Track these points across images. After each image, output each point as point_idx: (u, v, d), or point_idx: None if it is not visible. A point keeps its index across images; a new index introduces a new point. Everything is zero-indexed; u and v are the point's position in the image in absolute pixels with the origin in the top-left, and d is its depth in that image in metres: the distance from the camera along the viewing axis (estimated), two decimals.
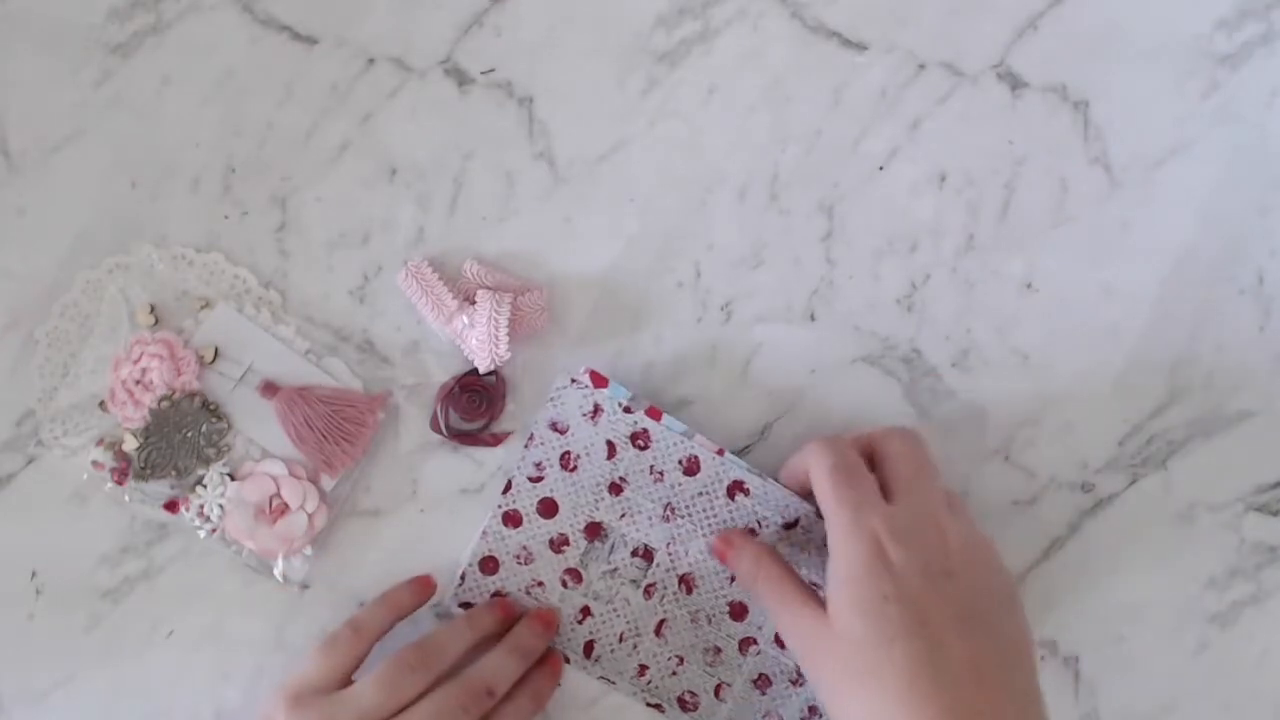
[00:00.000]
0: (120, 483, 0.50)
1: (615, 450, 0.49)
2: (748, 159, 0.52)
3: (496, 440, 0.51)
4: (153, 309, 0.51)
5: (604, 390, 0.49)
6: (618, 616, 0.50)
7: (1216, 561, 0.52)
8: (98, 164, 0.51)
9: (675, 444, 0.49)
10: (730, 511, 0.49)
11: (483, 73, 0.52)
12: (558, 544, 0.50)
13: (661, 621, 0.50)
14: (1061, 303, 0.52)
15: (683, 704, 0.50)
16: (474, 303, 0.50)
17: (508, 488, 0.50)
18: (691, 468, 0.49)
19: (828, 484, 0.43)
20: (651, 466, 0.49)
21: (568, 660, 0.50)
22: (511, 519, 0.50)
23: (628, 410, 0.49)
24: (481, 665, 0.48)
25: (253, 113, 0.52)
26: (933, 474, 0.44)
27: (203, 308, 0.51)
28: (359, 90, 0.52)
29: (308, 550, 0.51)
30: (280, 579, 0.51)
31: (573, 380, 0.50)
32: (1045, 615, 0.52)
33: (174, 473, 0.50)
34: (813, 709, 0.50)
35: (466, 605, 0.50)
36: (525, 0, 0.52)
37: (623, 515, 0.50)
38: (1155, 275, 0.52)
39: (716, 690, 0.50)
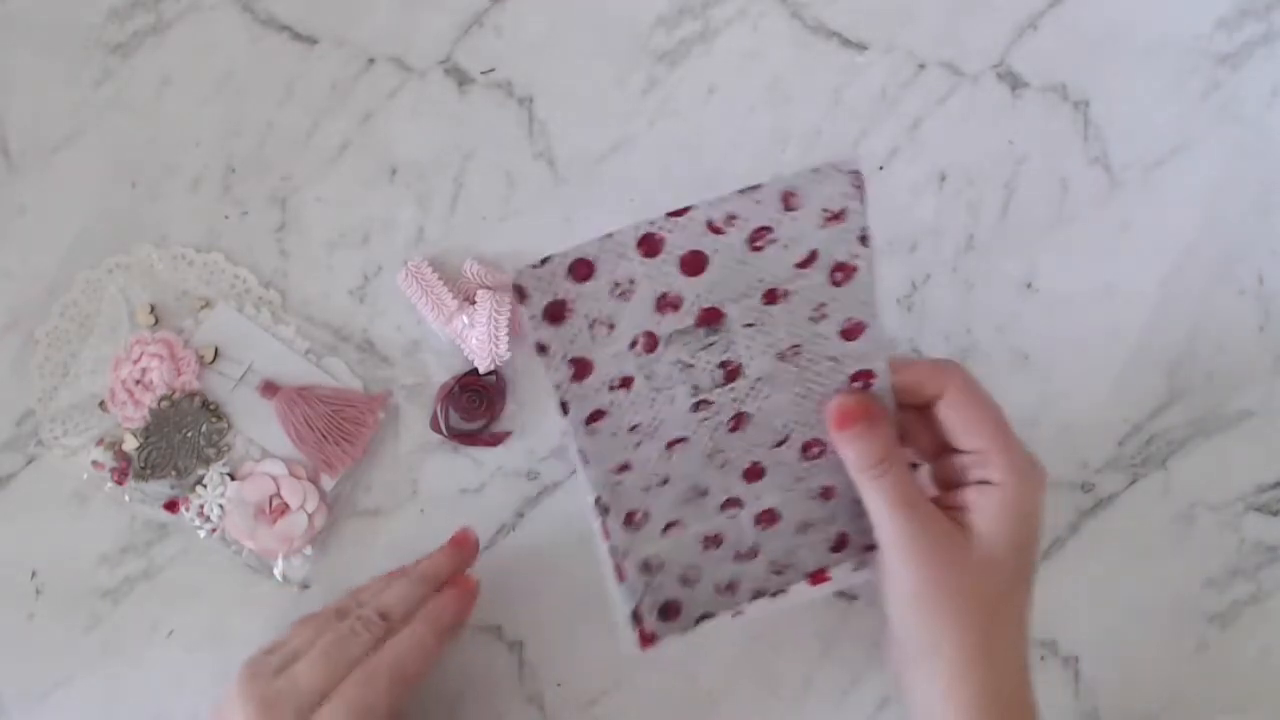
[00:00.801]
0: (120, 483, 0.50)
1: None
2: (747, 159, 0.52)
3: (496, 440, 0.51)
4: (153, 309, 0.51)
5: None
6: (646, 407, 0.41)
7: (1216, 561, 0.52)
8: (98, 164, 0.51)
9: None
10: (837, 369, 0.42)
11: (483, 73, 0.52)
12: (667, 303, 0.40)
13: (680, 440, 0.43)
14: (1061, 303, 0.52)
15: (629, 518, 0.43)
16: (474, 303, 0.50)
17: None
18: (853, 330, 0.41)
19: (1004, 424, 0.43)
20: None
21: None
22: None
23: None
24: (379, 590, 0.47)
25: (253, 113, 0.52)
26: None
27: (203, 308, 0.51)
28: (359, 90, 0.52)
29: (308, 550, 0.51)
30: (280, 579, 0.51)
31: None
32: (1045, 615, 0.52)
33: (174, 473, 0.50)
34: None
35: (520, 290, 0.38)
36: (525, 0, 0.52)
37: (751, 324, 0.41)
38: (1155, 275, 0.52)
39: (666, 527, 0.44)
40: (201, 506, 0.50)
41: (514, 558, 0.51)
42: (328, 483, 0.50)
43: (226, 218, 0.52)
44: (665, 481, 0.43)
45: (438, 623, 0.46)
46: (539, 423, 0.52)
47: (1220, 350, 0.52)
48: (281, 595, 0.51)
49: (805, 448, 0.44)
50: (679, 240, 0.38)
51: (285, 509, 0.50)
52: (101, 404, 0.50)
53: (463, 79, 0.52)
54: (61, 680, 0.51)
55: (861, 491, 0.42)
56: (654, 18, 0.52)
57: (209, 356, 0.50)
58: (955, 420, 0.42)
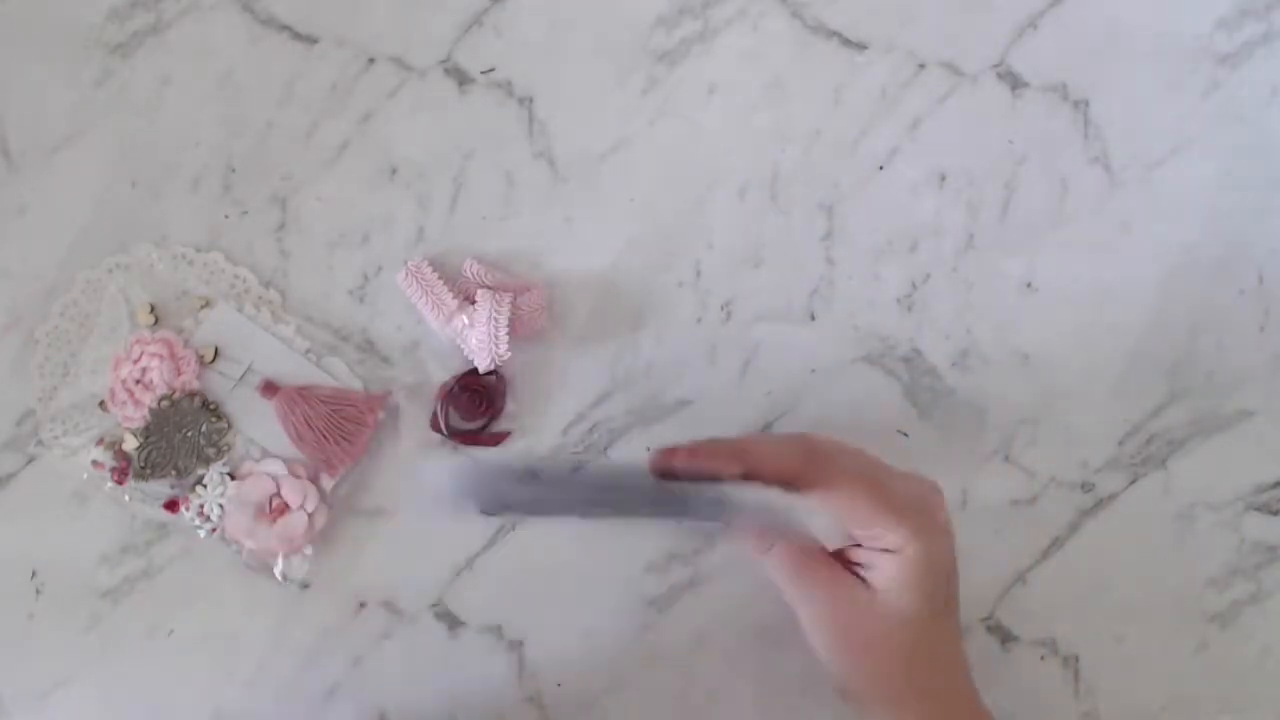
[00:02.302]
0: (120, 482, 0.50)
1: None
2: (748, 159, 0.52)
3: (496, 440, 0.51)
4: (153, 308, 0.51)
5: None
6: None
7: (1216, 561, 0.52)
8: (98, 164, 0.51)
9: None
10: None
11: (483, 72, 0.52)
12: None
13: None
14: (1061, 303, 0.52)
15: None
16: (474, 302, 0.50)
17: None
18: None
19: (879, 493, 0.43)
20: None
21: None
22: None
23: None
24: None
25: (253, 113, 0.52)
26: None
27: (203, 307, 0.51)
28: (359, 90, 0.52)
29: (308, 550, 0.51)
30: (280, 579, 0.51)
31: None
32: (1045, 615, 0.52)
33: (174, 472, 0.50)
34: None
35: None
36: (525, 0, 0.52)
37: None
38: (1155, 275, 0.52)
39: None
40: (201, 506, 0.50)
41: (515, 558, 0.51)
42: (328, 483, 0.50)
43: (226, 217, 0.52)
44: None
45: None
46: (539, 423, 0.52)
47: (1220, 350, 0.52)
48: (281, 595, 0.51)
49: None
50: None
51: (285, 509, 0.50)
52: (101, 404, 0.50)
53: (463, 79, 0.52)
54: (61, 680, 0.51)
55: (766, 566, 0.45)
56: (654, 18, 0.52)
57: (209, 356, 0.50)
58: (833, 511, 0.43)
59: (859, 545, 0.44)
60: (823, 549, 0.45)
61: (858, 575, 0.44)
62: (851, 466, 0.43)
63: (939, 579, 0.43)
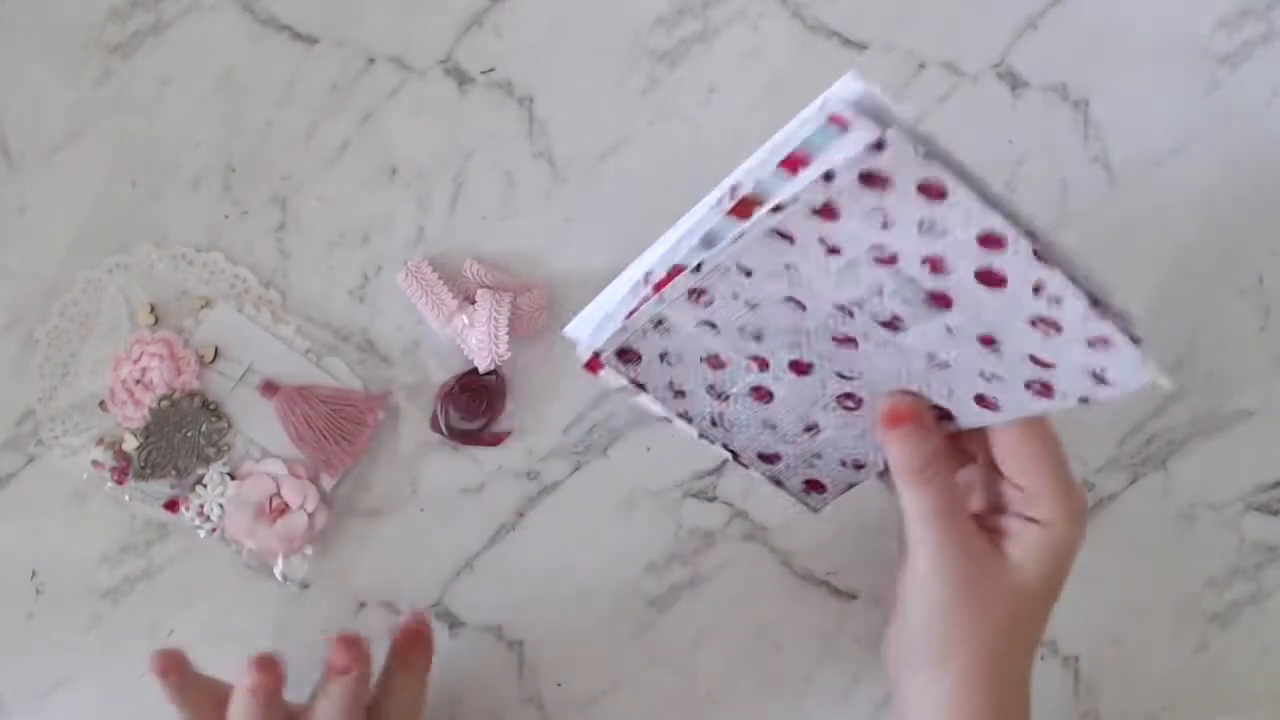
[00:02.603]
0: (120, 482, 0.50)
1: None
2: (748, 158, 0.52)
3: (496, 440, 0.51)
4: (153, 308, 0.51)
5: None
6: (852, 286, 0.39)
7: (1216, 561, 0.52)
8: (98, 164, 0.51)
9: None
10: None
11: (483, 72, 0.52)
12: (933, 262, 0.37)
13: (844, 310, 0.40)
14: None
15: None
16: (474, 302, 0.50)
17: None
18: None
19: (1061, 464, 0.42)
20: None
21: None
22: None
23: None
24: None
25: (253, 113, 0.52)
26: None
27: (203, 307, 0.51)
28: (359, 90, 0.52)
29: (308, 550, 0.51)
30: (280, 579, 0.51)
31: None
32: None
33: (174, 472, 0.50)
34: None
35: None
36: (525, 0, 0.52)
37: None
38: (1155, 275, 0.52)
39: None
40: (201, 506, 0.50)
41: (514, 558, 0.51)
42: (328, 483, 0.50)
43: (226, 217, 0.52)
44: (760, 338, 0.41)
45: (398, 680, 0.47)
46: (539, 422, 0.52)
47: (1220, 350, 0.52)
48: (281, 595, 0.51)
49: (843, 396, 0.43)
50: (1003, 260, 0.36)
51: (285, 509, 0.50)
52: (101, 404, 0.50)
53: (463, 79, 0.52)
54: (61, 680, 0.51)
55: (902, 495, 0.42)
56: (654, 17, 0.52)
57: (209, 356, 0.50)
58: (1013, 453, 0.42)
59: (1004, 513, 0.43)
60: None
61: (992, 541, 0.42)
62: (1046, 430, 0.42)
63: (1065, 568, 0.42)
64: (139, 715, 0.51)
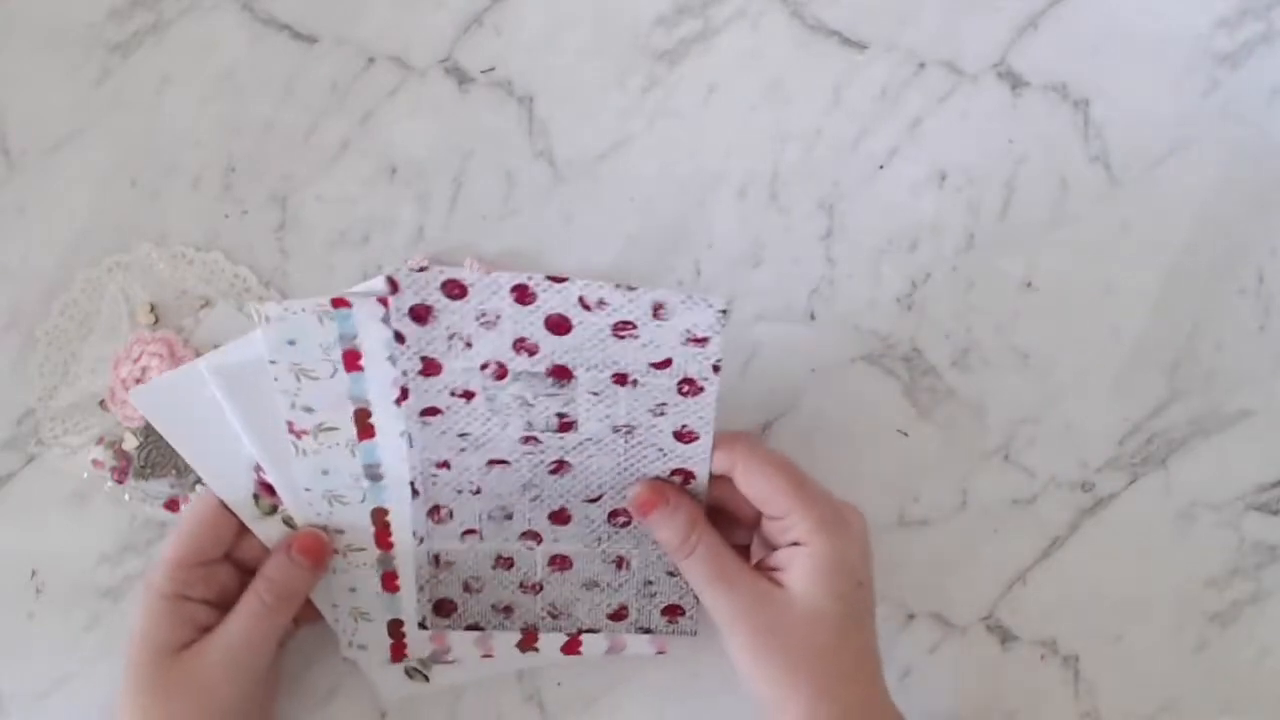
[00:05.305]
0: (120, 481, 0.50)
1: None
2: (748, 158, 0.52)
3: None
4: (153, 308, 0.51)
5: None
6: (480, 422, 0.44)
7: (1216, 561, 0.52)
8: (98, 163, 0.51)
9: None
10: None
11: (483, 72, 0.52)
12: (524, 346, 0.43)
13: (501, 462, 0.45)
14: (1061, 302, 0.52)
15: (435, 511, 0.46)
16: None
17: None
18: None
19: (799, 484, 0.44)
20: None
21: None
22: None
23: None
24: None
25: (253, 112, 0.52)
26: None
27: (203, 306, 0.51)
28: (359, 89, 0.52)
29: None
30: None
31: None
32: (1045, 615, 0.52)
33: (174, 471, 0.50)
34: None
35: (393, 283, 0.42)
36: (525, 0, 0.52)
37: (596, 393, 0.44)
38: (1155, 275, 0.52)
39: (466, 532, 0.47)
40: None
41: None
42: None
43: (226, 217, 0.52)
44: (478, 492, 0.46)
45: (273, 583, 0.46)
46: None
47: (1220, 350, 0.52)
48: None
49: (613, 514, 0.47)
50: (550, 301, 0.42)
51: None
52: (101, 403, 0.50)
53: (463, 78, 0.52)
54: (61, 680, 0.51)
55: (680, 570, 0.46)
56: (654, 17, 0.52)
57: None
58: (752, 492, 0.44)
59: (774, 549, 0.45)
60: (738, 555, 0.45)
61: (773, 579, 0.44)
62: (778, 458, 0.45)
63: (850, 581, 0.43)
64: None
